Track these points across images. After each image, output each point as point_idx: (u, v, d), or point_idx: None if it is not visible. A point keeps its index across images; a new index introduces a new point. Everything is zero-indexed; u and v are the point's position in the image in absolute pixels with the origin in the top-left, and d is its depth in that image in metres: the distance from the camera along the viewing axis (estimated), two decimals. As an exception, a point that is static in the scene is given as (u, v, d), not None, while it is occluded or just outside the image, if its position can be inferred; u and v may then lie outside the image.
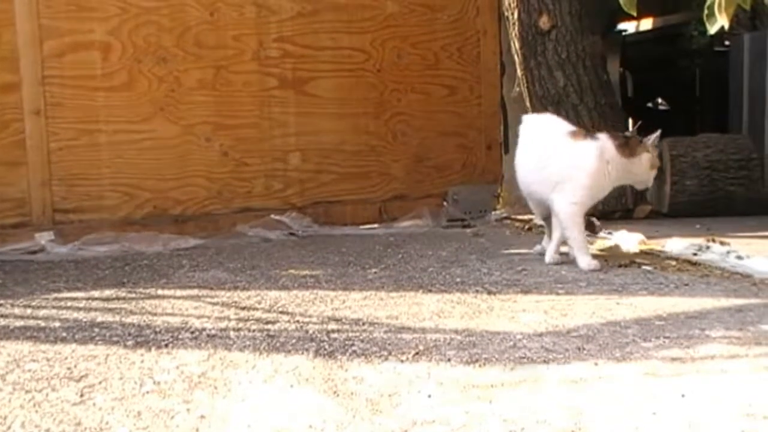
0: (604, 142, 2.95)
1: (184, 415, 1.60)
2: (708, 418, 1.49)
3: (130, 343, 2.13)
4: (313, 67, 4.25)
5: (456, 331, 2.15)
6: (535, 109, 4.47)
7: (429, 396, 1.66)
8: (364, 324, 2.27)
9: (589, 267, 2.90)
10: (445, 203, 4.45)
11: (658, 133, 2.97)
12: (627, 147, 2.93)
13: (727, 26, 3.26)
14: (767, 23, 4.41)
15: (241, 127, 4.14)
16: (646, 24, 6.18)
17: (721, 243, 3.11)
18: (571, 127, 3.13)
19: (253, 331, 2.22)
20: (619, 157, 2.93)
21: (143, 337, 2.17)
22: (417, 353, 1.95)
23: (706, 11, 3.28)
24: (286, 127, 4.22)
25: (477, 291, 2.65)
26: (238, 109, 4.13)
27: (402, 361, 1.90)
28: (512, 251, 3.43)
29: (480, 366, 1.84)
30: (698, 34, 5.42)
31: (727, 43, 5.09)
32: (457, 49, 4.52)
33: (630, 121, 5.82)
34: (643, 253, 3.24)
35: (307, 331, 2.19)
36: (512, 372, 1.79)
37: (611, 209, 4.39)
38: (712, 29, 3.29)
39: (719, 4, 3.19)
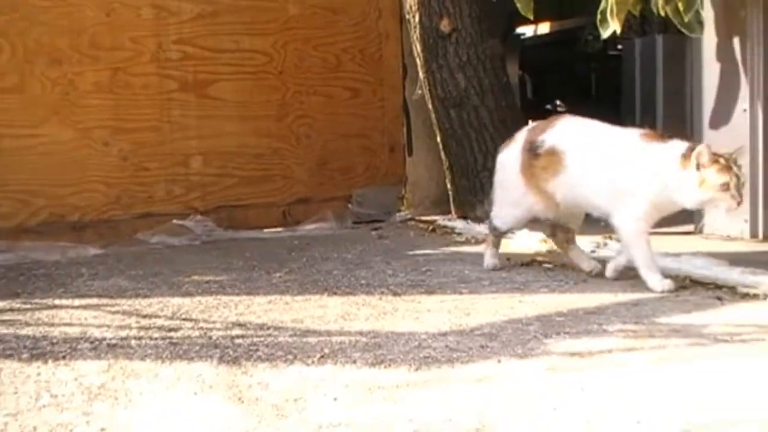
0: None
1: (83, 428, 1.56)
2: (606, 410, 1.53)
3: (25, 356, 2.06)
4: (214, 69, 4.20)
5: (361, 333, 2.16)
6: (437, 112, 4.52)
7: (335, 399, 1.66)
8: (269, 328, 2.25)
9: (662, 287, 2.52)
10: (349, 206, 4.46)
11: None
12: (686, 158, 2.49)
13: (619, 31, 3.37)
14: (656, 29, 4.56)
15: (141, 131, 4.05)
16: (544, 28, 6.32)
17: (618, 240, 3.19)
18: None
19: (156, 339, 2.18)
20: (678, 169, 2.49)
21: (39, 349, 2.11)
22: (322, 356, 1.95)
23: (599, 16, 3.39)
24: (187, 130, 4.15)
25: (382, 293, 2.66)
26: (137, 113, 4.04)
27: (307, 365, 1.89)
28: (417, 252, 3.46)
29: (385, 367, 1.85)
30: (593, 38, 5.57)
31: (619, 47, 5.24)
32: (360, 51, 4.53)
33: (530, 122, 5.94)
34: (545, 252, 3.30)
35: (210, 338, 2.16)
36: (417, 372, 1.80)
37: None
38: (605, 33, 3.39)
39: (611, 10, 3.29)
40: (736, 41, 3.43)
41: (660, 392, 1.62)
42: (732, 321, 2.17)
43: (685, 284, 2.62)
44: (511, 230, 3.03)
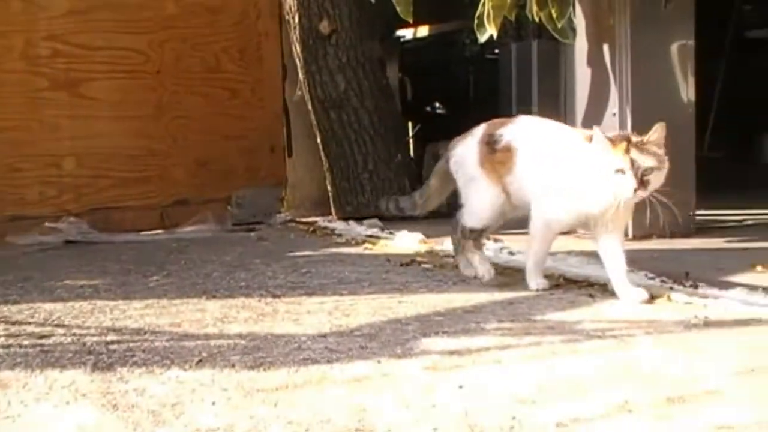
0: None
1: (-55, 441, 1.48)
2: (483, 406, 1.56)
3: None
4: (87, 67, 4.08)
5: (240, 336, 2.13)
6: (317, 113, 4.52)
7: (213, 403, 1.63)
8: (145, 333, 2.20)
9: (536, 286, 2.58)
10: (229, 207, 4.41)
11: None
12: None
13: (495, 35, 3.44)
14: (532, 34, 4.69)
15: (10, 131, 3.91)
16: (423, 31, 6.41)
17: (495, 240, 3.27)
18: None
19: (25, 347, 2.09)
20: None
21: None
22: (200, 360, 1.92)
23: (476, 21, 3.46)
24: (60, 130, 4.02)
25: (261, 295, 2.64)
26: (5, 111, 3.90)
27: (185, 370, 1.85)
28: (297, 254, 3.45)
29: (265, 370, 1.83)
30: (470, 42, 5.68)
31: (496, 51, 5.36)
32: (239, 51, 4.49)
33: (410, 124, 6.01)
34: (424, 252, 3.35)
35: (84, 344, 2.10)
36: (297, 374, 1.80)
37: (393, 210, 4.50)
38: (482, 38, 3.47)
39: (488, 15, 3.36)
40: (605, 48, 3.56)
41: (536, 387, 1.66)
42: (604, 317, 2.25)
43: (560, 282, 2.71)
44: (486, 228, 2.78)
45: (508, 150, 2.62)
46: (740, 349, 1.90)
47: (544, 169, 2.54)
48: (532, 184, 2.58)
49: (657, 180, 2.33)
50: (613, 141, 2.34)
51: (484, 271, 2.70)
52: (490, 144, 2.67)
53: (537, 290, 2.57)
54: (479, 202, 2.71)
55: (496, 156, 2.65)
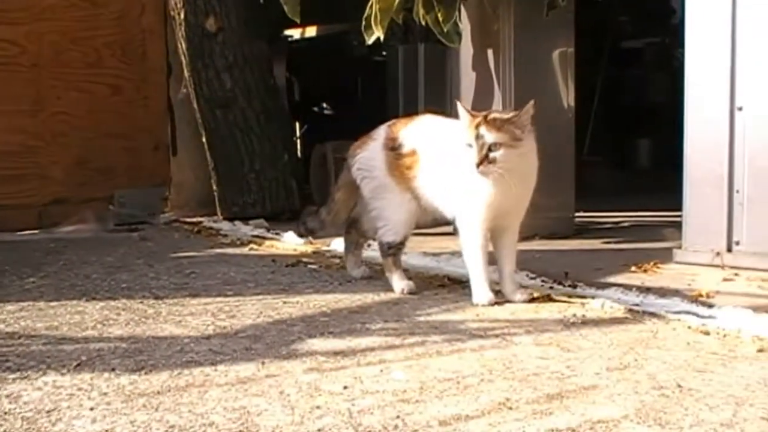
0: None
1: None
2: (367, 406, 1.57)
3: None
4: (-43, 59, 3.90)
5: (121, 339, 2.08)
6: (203, 112, 4.45)
7: (91, 409, 1.58)
8: (20, 337, 2.11)
9: (481, 299, 2.43)
10: (111, 207, 4.29)
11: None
12: None
13: (382, 38, 3.47)
14: (419, 37, 4.74)
15: None
16: (312, 32, 6.40)
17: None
18: None
19: None
20: None
21: None
22: (79, 364, 1.86)
23: (363, 23, 3.48)
24: (-74, 125, 3.83)
25: (144, 296, 2.58)
26: None
27: (62, 374, 1.79)
28: (181, 255, 3.39)
29: (146, 373, 1.79)
30: (358, 43, 5.71)
31: (384, 53, 5.41)
32: (121, 47, 4.38)
33: (297, 124, 5.99)
34: (310, 253, 3.34)
35: (-47, 349, 2.00)
36: (179, 377, 1.76)
37: (279, 210, 4.50)
38: (370, 40, 3.49)
39: (375, 17, 3.39)
40: (490, 53, 3.64)
41: (419, 386, 1.68)
42: (486, 317, 2.29)
43: (444, 283, 2.75)
44: (405, 239, 2.64)
45: (414, 153, 2.53)
46: (615, 346, 1.97)
47: (453, 171, 2.43)
48: (444, 188, 2.48)
49: (506, 158, 2.25)
50: (473, 116, 2.30)
51: (404, 285, 2.59)
52: (394, 149, 2.56)
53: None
54: (394, 214, 2.59)
55: (403, 161, 2.54)
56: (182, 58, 4.47)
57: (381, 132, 2.63)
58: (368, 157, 2.62)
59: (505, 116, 2.30)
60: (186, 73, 4.47)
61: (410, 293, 2.58)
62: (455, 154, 2.39)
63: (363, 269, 2.84)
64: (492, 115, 2.30)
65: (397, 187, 2.56)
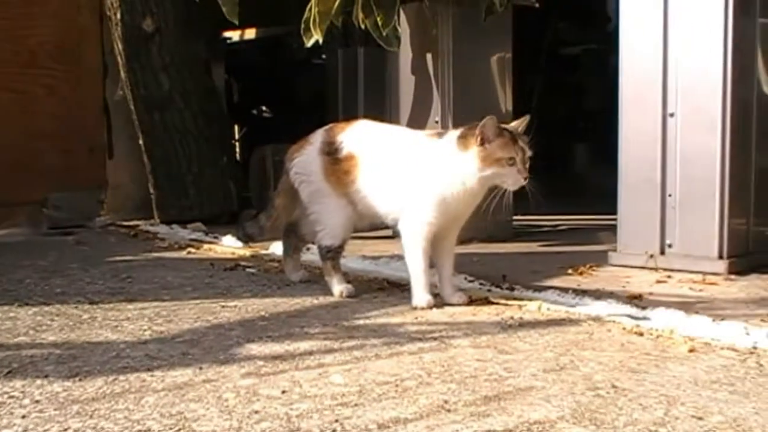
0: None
1: None
2: (306, 410, 1.56)
3: None
4: None
5: (55, 345, 2.04)
6: (140, 114, 4.39)
7: (23, 417, 1.55)
8: (-52, 344, 2.06)
9: (426, 303, 2.43)
10: (44, 210, 4.21)
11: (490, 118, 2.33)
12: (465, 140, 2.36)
13: (321, 41, 3.47)
14: (359, 41, 4.75)
15: None
16: (251, 34, 6.36)
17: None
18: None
19: None
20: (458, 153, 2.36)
21: None
22: (11, 372, 1.82)
23: (302, 26, 3.47)
24: None
25: (78, 301, 2.53)
26: None
27: (-7, 382, 1.75)
28: (117, 259, 3.33)
29: (80, 380, 1.76)
30: (297, 46, 5.69)
31: (323, 56, 5.40)
32: (56, 47, 4.29)
33: (236, 127, 5.95)
34: (249, 257, 3.32)
35: None
36: (114, 383, 1.74)
37: (218, 213, 4.46)
38: (308, 43, 3.48)
39: (314, 20, 3.38)
40: (429, 57, 3.66)
41: (358, 390, 1.68)
42: (425, 320, 2.31)
43: (383, 286, 2.75)
44: (344, 243, 2.64)
45: (352, 158, 2.53)
46: (552, 348, 2.00)
47: (401, 176, 2.45)
48: (388, 194, 2.48)
49: None
50: (503, 129, 2.33)
51: (343, 289, 2.59)
52: (331, 153, 2.55)
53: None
54: (333, 218, 2.58)
55: (340, 166, 2.54)
56: (119, 58, 4.41)
57: (318, 136, 2.63)
58: (305, 161, 2.62)
59: (511, 128, 2.38)
60: (122, 74, 4.41)
61: (349, 296, 2.58)
62: (398, 159, 2.46)
63: (302, 273, 2.84)
64: (521, 129, 2.38)
65: (334, 192, 2.56)
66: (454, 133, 2.41)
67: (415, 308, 2.41)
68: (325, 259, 2.63)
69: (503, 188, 2.37)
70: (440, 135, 2.48)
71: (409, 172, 2.45)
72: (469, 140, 2.33)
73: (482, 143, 2.31)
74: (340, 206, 2.57)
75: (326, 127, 2.66)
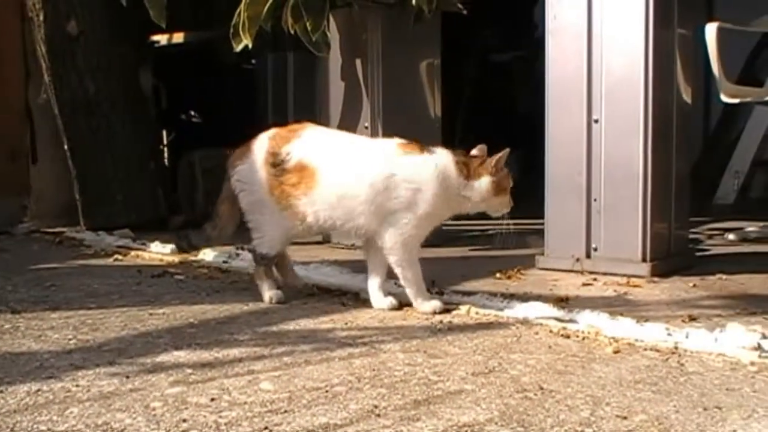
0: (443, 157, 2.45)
1: None
2: (235, 418, 1.55)
3: None
4: None
5: (-25, 356, 1.99)
6: (65, 118, 4.30)
7: (-59, 430, 1.50)
8: None
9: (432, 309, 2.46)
10: (-37, 217, 4.10)
11: (505, 152, 2.47)
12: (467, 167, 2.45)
13: (250, 45, 3.45)
14: (289, 45, 4.74)
15: None
16: (180, 38, 6.28)
17: (250, 250, 3.26)
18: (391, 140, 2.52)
19: None
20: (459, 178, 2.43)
21: None
22: (-73, 384, 1.76)
23: (232, 30, 3.45)
24: None
25: (0, 311, 2.47)
26: None
27: None
28: (41, 266, 3.26)
29: (1, 391, 1.71)
30: (227, 51, 5.64)
31: (253, 61, 5.37)
32: (-24, 49, 4.18)
33: (164, 131, 5.87)
34: (177, 263, 3.28)
35: None
36: (38, 394, 1.70)
37: (146, 219, 4.39)
38: (238, 47, 3.46)
39: (243, 25, 3.37)
40: (358, 62, 3.67)
41: (288, 396, 1.68)
42: (355, 325, 2.31)
43: (314, 292, 2.75)
44: (279, 254, 2.62)
45: (303, 169, 2.45)
46: (480, 351, 2.02)
47: (380, 192, 2.39)
48: (364, 209, 2.41)
49: None
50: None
51: (272, 294, 2.57)
52: (276, 165, 2.46)
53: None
54: (272, 229, 2.53)
55: (287, 177, 2.46)
56: (42, 61, 4.31)
57: (262, 145, 2.52)
58: (248, 170, 2.53)
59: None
60: (46, 78, 4.31)
61: (279, 302, 2.56)
62: (373, 173, 2.40)
63: (278, 292, 2.63)
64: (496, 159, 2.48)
65: (277, 206, 2.49)
66: (443, 155, 2.44)
67: (434, 313, 2.42)
68: (259, 265, 2.60)
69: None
70: (419, 150, 2.44)
71: (394, 188, 2.39)
72: (476, 168, 2.43)
73: (495, 173, 2.44)
74: (282, 218, 2.50)
75: (270, 133, 2.55)
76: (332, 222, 2.47)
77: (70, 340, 2.14)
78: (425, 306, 2.45)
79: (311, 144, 2.49)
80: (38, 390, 1.73)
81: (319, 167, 2.44)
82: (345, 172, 2.43)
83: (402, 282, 2.49)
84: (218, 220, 2.67)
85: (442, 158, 2.44)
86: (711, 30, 3.73)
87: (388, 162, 2.41)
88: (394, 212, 2.41)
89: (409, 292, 2.47)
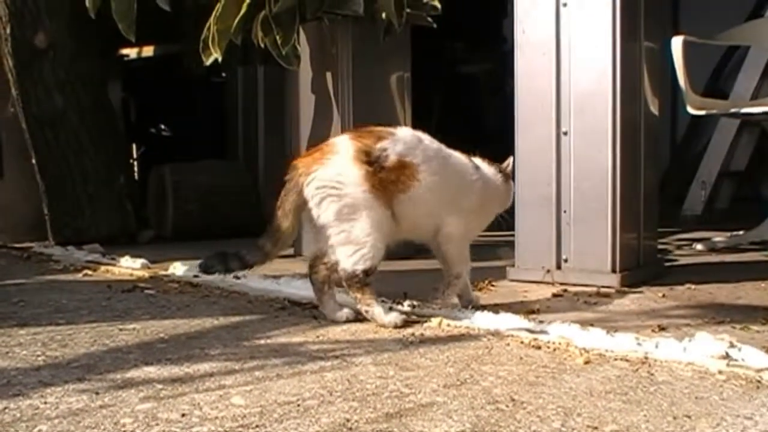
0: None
1: None
2: (206, 434, 1.55)
3: None
4: None
5: (-60, 374, 1.96)
6: (32, 132, 4.27)
7: None
8: None
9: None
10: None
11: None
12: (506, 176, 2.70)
13: (221, 59, 3.45)
14: (259, 59, 4.74)
15: None
16: (149, 51, 6.26)
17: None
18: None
19: None
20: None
21: None
22: None
23: (201, 44, 3.44)
24: None
25: (-33, 327, 2.44)
26: None
27: None
28: (8, 282, 3.22)
29: (-32, 409, 1.69)
30: (197, 64, 5.63)
31: (223, 74, 5.36)
32: (-59, 63, 4.14)
33: (134, 145, 5.84)
34: (148, 278, 3.26)
35: None
36: (4, 412, 1.67)
37: (115, 234, 4.37)
38: (207, 61, 3.46)
39: (212, 39, 3.36)
40: (329, 76, 3.68)
41: (259, 411, 1.67)
42: (326, 338, 2.30)
43: (285, 305, 2.74)
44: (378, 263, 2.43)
45: (403, 166, 2.36)
46: (452, 363, 2.02)
47: (453, 185, 2.52)
48: (440, 202, 2.47)
49: None
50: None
51: (394, 317, 2.42)
52: (372, 162, 2.33)
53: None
54: (376, 231, 2.35)
55: (386, 174, 2.34)
56: (9, 75, 4.27)
57: (343, 146, 2.36)
58: (334, 172, 2.33)
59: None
60: (13, 91, 4.28)
61: (398, 326, 2.40)
62: (456, 173, 2.55)
63: (347, 311, 2.50)
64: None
65: (378, 203, 2.34)
66: (483, 162, 2.66)
67: (477, 308, 2.60)
68: (364, 285, 2.39)
69: None
70: (489, 161, 2.69)
71: (464, 187, 2.57)
72: (507, 174, 2.68)
73: (506, 180, 2.69)
74: (384, 219, 2.36)
75: (347, 135, 2.43)
76: (417, 221, 2.49)
77: (38, 356, 2.11)
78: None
79: (409, 144, 2.41)
80: (5, 408, 1.70)
81: (420, 165, 2.40)
82: (448, 170, 2.51)
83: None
84: (279, 235, 2.43)
85: (494, 167, 2.69)
86: (677, 43, 3.78)
87: (468, 168, 2.61)
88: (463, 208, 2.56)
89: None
